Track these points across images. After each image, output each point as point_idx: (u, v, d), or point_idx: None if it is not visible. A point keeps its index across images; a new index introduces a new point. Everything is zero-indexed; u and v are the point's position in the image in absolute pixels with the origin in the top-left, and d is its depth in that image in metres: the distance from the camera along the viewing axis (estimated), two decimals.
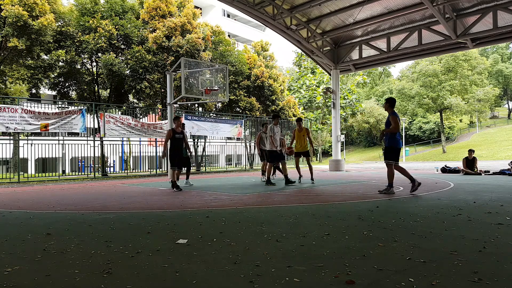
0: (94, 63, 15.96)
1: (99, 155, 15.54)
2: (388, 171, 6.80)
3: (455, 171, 13.09)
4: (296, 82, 35.80)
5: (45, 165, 20.23)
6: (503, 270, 2.36)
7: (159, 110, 17.15)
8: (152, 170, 17.92)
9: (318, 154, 43.85)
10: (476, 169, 12.32)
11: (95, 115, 14.09)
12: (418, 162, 35.92)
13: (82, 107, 13.75)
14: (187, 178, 9.58)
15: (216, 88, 13.09)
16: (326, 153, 50.37)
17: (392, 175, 6.78)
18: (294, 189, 8.03)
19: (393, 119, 6.69)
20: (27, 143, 12.96)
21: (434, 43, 14.20)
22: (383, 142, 6.92)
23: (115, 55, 15.04)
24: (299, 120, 10.02)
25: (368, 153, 53.89)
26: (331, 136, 23.57)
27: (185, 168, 9.27)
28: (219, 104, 20.80)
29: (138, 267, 2.53)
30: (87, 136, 14.60)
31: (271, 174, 10.15)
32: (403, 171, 6.85)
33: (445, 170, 13.44)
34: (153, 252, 2.92)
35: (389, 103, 6.86)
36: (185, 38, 16.04)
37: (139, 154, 24.06)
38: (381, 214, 4.61)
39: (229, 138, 19.67)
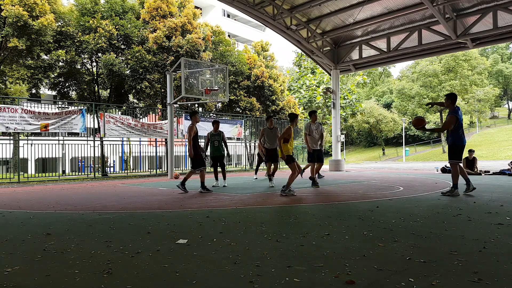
0: (94, 63, 15.95)
1: (99, 155, 15.53)
2: (453, 171, 6.36)
3: None
4: (296, 82, 35.75)
5: (45, 165, 20.22)
6: (503, 270, 2.36)
7: (159, 110, 17.15)
8: (152, 170, 17.91)
9: None
10: (476, 169, 12.31)
11: (95, 115, 14.09)
12: (418, 162, 35.89)
13: (82, 107, 13.75)
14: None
15: (216, 88, 13.10)
16: (326, 153, 50.36)
17: (456, 175, 6.32)
18: (294, 189, 8.01)
19: (449, 118, 6.23)
20: (27, 143, 12.95)
21: (434, 43, 14.19)
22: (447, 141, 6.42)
23: (115, 55, 15.04)
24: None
25: (368, 153, 53.93)
26: (331, 136, 23.52)
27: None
28: (219, 104, 20.79)
29: (138, 267, 2.53)
30: (87, 136, 14.60)
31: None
32: (462, 172, 6.41)
33: (445, 170, 13.43)
34: (153, 252, 2.92)
35: (451, 99, 6.24)
36: (185, 38, 16.04)
37: (139, 154, 24.05)
38: (381, 214, 4.61)
39: (229, 138, 19.65)
